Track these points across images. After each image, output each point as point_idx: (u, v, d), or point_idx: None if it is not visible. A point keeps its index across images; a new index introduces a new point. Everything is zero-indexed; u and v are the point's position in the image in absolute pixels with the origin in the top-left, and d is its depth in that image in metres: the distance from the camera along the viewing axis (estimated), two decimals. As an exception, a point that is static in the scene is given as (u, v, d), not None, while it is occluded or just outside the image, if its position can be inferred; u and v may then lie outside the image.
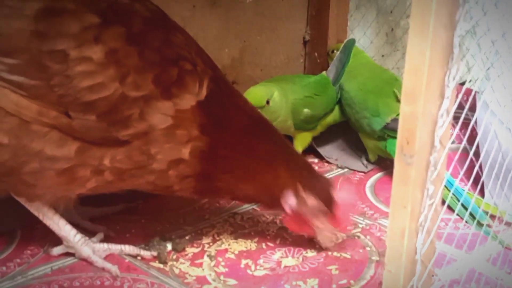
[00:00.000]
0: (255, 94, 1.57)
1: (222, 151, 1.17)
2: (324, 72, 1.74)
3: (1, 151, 1.06)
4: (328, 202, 1.22)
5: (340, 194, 1.23)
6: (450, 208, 1.39)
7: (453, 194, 1.41)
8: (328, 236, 1.25)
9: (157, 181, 1.16)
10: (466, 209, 1.37)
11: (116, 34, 1.08)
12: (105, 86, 1.06)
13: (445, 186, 1.38)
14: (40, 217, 1.17)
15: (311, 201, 1.20)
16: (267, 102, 1.57)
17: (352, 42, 1.73)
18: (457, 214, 1.39)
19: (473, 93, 1.43)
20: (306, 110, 1.65)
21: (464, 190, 1.41)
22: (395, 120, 1.57)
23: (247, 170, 1.19)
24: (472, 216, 1.35)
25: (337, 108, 1.74)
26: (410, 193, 0.85)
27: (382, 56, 2.13)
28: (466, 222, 1.38)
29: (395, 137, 1.57)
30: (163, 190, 1.20)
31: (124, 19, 1.11)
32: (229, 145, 1.18)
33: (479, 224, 1.34)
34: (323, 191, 1.22)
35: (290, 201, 1.21)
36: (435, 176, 0.86)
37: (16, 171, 1.08)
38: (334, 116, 1.74)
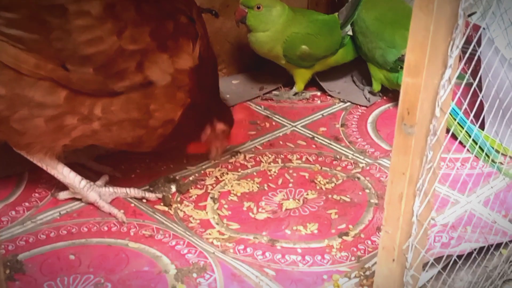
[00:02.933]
0: None
1: (190, 116, 1.21)
2: (336, 14, 1.71)
3: None
4: (229, 123, 1.32)
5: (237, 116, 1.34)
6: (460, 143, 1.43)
7: (464, 130, 1.44)
8: (220, 152, 1.35)
9: (144, 137, 1.18)
10: (480, 147, 1.41)
11: None
12: (103, 40, 1.07)
13: (458, 123, 1.43)
14: (44, 168, 1.20)
15: (220, 126, 1.29)
16: (258, 7, 1.60)
17: None
18: (468, 150, 1.41)
19: (480, 29, 1.43)
20: (304, 47, 1.64)
21: (475, 128, 1.43)
22: None
23: (196, 127, 1.27)
24: (482, 151, 1.40)
25: (341, 51, 1.72)
26: (410, 161, 0.87)
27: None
28: (476, 156, 1.41)
29: None
30: (133, 147, 1.23)
31: None
32: (197, 109, 1.22)
33: (492, 162, 1.38)
34: (228, 116, 1.32)
35: (207, 131, 1.29)
36: (435, 142, 0.87)
37: (6, 119, 1.10)
38: (336, 58, 1.73)
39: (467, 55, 0.95)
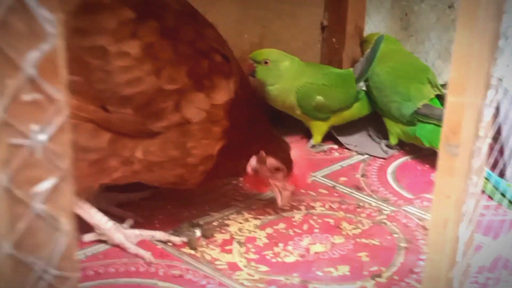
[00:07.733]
0: (260, 51, 1.66)
1: (229, 148, 1.21)
2: (351, 69, 1.74)
3: None
4: (286, 162, 1.28)
5: (296, 154, 1.31)
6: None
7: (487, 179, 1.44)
8: (286, 195, 1.31)
9: (186, 175, 1.18)
10: (502, 194, 1.41)
11: (151, 29, 1.09)
12: (142, 80, 1.07)
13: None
14: (71, 207, 1.18)
15: (270, 160, 1.27)
16: (265, 62, 1.63)
17: (381, 38, 1.70)
18: (489, 196, 1.40)
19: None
20: (319, 97, 1.66)
21: (502, 180, 1.43)
22: (426, 106, 1.60)
23: (240, 156, 1.26)
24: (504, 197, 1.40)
25: (356, 105, 1.74)
26: (455, 184, 0.86)
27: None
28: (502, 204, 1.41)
29: (425, 122, 1.60)
30: (177, 185, 1.23)
31: (157, 13, 1.12)
32: (235, 141, 1.22)
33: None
34: (282, 153, 1.29)
35: (252, 162, 1.28)
36: (478, 166, 0.87)
37: None
38: (351, 112, 1.74)
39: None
